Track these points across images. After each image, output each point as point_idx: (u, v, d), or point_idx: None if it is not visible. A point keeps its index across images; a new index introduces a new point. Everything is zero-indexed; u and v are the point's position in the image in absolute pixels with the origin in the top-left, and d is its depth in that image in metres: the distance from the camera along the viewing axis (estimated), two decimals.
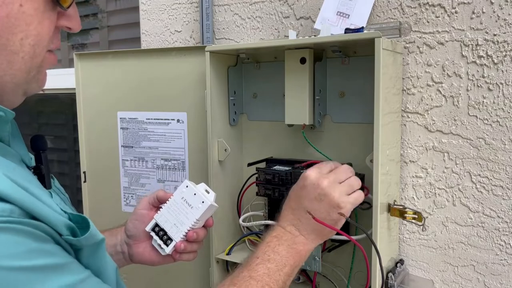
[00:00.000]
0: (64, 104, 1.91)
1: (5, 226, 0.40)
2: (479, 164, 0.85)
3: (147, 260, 0.78)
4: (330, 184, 0.70)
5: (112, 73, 1.18)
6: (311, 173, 0.71)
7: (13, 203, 0.41)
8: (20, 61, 0.48)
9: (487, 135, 0.84)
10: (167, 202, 0.77)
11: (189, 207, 0.74)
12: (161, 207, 0.78)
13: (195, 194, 0.75)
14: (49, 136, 1.99)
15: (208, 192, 0.76)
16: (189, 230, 0.74)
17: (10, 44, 0.46)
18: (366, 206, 0.82)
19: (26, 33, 0.47)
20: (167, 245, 0.75)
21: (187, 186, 0.75)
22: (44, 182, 0.55)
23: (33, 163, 0.56)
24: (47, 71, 0.55)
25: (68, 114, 1.91)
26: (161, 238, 0.75)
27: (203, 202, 0.74)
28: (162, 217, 0.76)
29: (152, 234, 0.76)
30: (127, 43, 1.65)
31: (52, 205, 0.46)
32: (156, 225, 0.76)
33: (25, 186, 0.44)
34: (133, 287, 1.17)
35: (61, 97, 1.87)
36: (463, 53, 0.85)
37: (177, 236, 0.74)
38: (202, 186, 0.77)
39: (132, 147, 1.16)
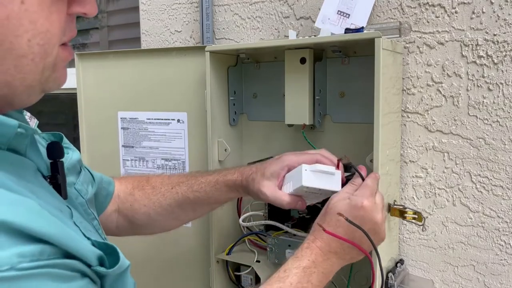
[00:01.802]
0: (64, 104, 1.91)
1: (31, 272, 0.37)
2: (479, 164, 0.85)
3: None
4: (383, 220, 0.70)
5: (113, 73, 1.18)
6: (368, 205, 0.68)
7: (47, 241, 0.39)
8: (30, 64, 0.43)
9: (487, 135, 0.84)
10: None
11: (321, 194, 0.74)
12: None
13: (320, 189, 0.73)
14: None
15: (326, 171, 0.72)
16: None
17: (16, 48, 0.42)
18: None
19: (33, 33, 0.42)
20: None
21: (307, 187, 0.72)
22: (60, 191, 0.53)
23: (49, 172, 0.53)
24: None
25: (68, 114, 1.91)
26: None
27: (332, 192, 0.72)
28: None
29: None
30: (127, 43, 1.65)
31: (77, 233, 0.45)
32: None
33: (53, 215, 0.42)
34: None
35: (61, 97, 1.87)
36: (463, 53, 0.85)
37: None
38: (314, 170, 0.72)
39: (133, 147, 1.16)
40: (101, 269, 0.44)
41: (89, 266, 0.43)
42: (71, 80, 1.31)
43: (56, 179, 0.53)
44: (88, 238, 0.46)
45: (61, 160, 0.54)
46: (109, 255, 0.46)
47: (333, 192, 0.72)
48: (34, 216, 0.39)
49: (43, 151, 0.55)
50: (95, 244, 0.46)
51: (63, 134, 0.66)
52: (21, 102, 0.47)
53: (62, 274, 0.40)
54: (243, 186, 0.77)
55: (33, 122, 0.60)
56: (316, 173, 0.72)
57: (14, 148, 0.46)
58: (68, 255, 0.41)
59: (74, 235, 0.43)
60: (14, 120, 0.44)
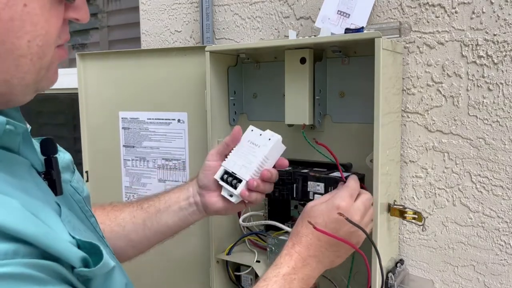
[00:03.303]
0: (64, 104, 1.91)
1: (2, 272, 0.36)
2: (479, 164, 0.85)
3: (221, 209, 0.78)
4: (365, 223, 0.71)
5: (113, 73, 1.18)
6: (344, 205, 0.69)
7: (24, 240, 0.38)
8: (28, 64, 0.45)
9: (487, 135, 0.84)
10: (233, 148, 0.77)
11: (256, 146, 0.74)
12: (228, 155, 0.78)
13: (260, 134, 0.75)
14: (49, 136, 1.99)
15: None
16: (259, 168, 0.74)
17: (17, 48, 0.43)
18: None
19: (33, 34, 0.44)
20: (236, 188, 0.74)
21: (252, 130, 0.76)
22: (55, 187, 0.53)
23: (43, 168, 0.54)
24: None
25: (68, 114, 1.91)
26: (230, 184, 0.75)
27: (269, 139, 0.74)
28: (230, 162, 0.76)
29: (221, 183, 0.75)
30: (127, 43, 1.65)
31: (62, 232, 0.45)
32: (225, 172, 0.76)
33: (38, 213, 0.42)
34: None
35: (60, 97, 1.87)
36: (463, 53, 0.85)
37: (246, 175, 0.73)
38: (268, 131, 0.76)
39: (134, 147, 1.17)
40: (85, 270, 0.44)
41: (72, 268, 0.43)
42: (71, 80, 1.32)
43: (50, 174, 0.54)
44: (73, 237, 0.46)
45: (55, 156, 0.55)
46: (93, 255, 0.46)
47: (265, 157, 0.74)
48: (11, 215, 0.39)
49: (38, 148, 0.56)
50: (79, 243, 0.46)
51: (52, 138, 0.67)
52: (16, 101, 0.48)
53: (36, 276, 0.39)
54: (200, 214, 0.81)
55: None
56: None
57: (6, 145, 0.47)
58: (46, 256, 0.40)
59: (56, 235, 0.42)
60: (1, 116, 0.45)
